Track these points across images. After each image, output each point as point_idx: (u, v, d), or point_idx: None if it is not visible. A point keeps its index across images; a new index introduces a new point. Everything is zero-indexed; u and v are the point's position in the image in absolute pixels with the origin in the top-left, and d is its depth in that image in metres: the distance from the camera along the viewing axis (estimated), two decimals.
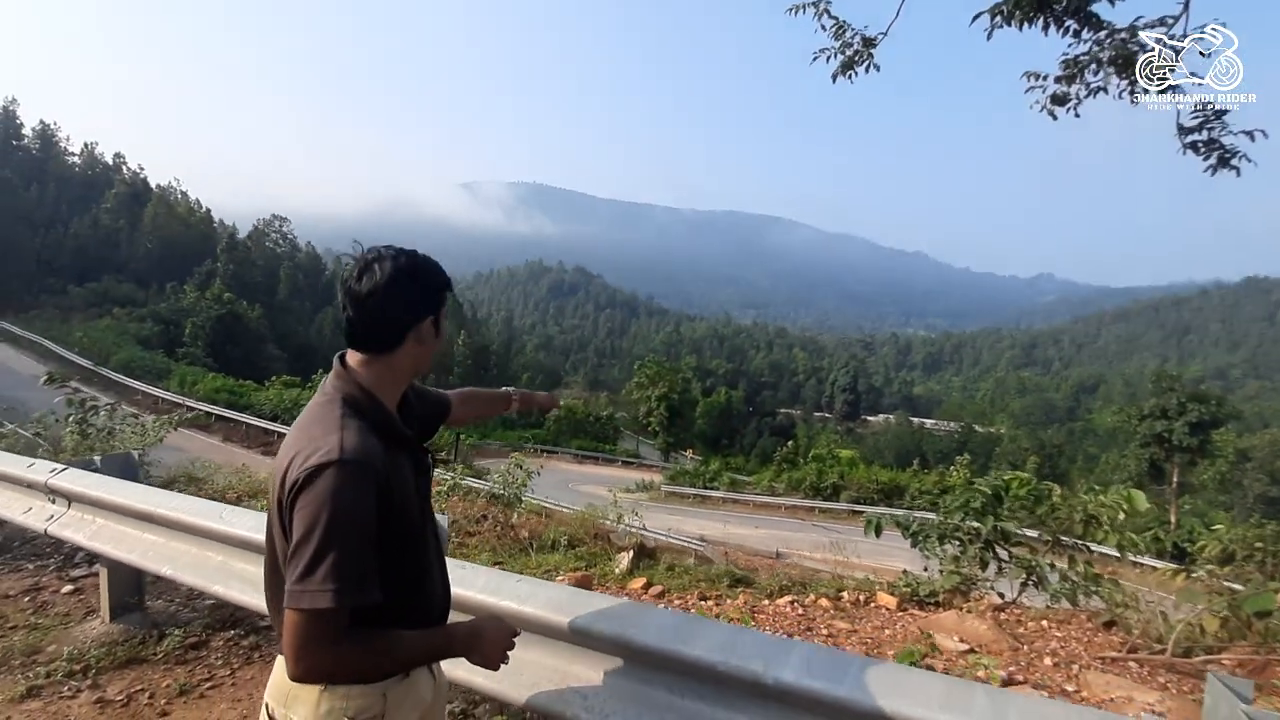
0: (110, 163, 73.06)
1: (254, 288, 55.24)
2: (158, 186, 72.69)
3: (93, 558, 3.77)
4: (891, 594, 4.83)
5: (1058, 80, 4.39)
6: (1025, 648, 3.79)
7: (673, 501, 29.91)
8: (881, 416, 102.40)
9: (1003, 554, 5.15)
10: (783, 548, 19.39)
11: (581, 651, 1.66)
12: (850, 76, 5.41)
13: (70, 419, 9.43)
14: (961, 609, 4.44)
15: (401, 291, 1.19)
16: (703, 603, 4.45)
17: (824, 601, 4.48)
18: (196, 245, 61.59)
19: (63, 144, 71.05)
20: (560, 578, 4.73)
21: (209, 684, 2.92)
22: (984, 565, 5.11)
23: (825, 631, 3.97)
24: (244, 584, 2.44)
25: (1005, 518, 5.10)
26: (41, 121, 70.04)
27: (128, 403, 23.81)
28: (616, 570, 5.19)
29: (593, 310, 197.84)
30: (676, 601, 4.42)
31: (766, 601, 4.54)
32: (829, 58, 5.30)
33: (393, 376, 1.26)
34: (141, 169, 75.00)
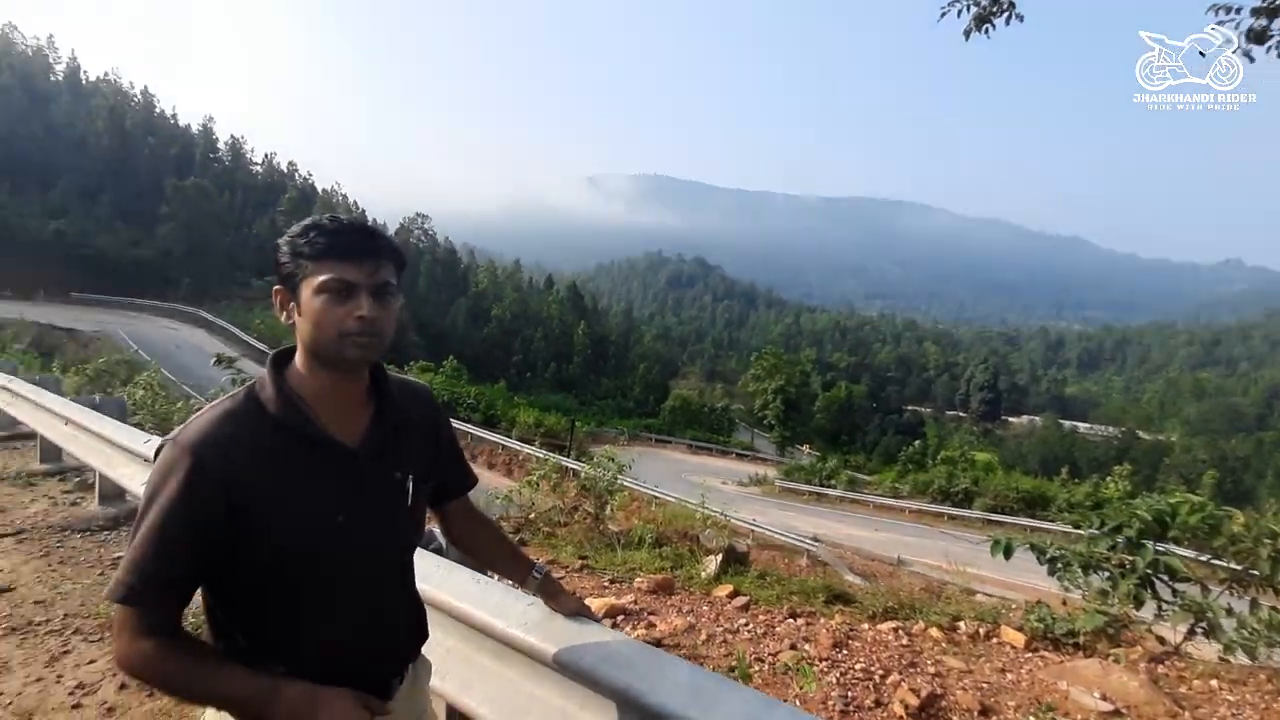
0: (285, 170, 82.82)
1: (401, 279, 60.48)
2: (323, 190, 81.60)
3: None
4: (1019, 629, 4.18)
5: (1255, 13, 3.50)
6: (1188, 714, 3.08)
7: (787, 497, 29.05)
8: (1025, 418, 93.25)
9: (1164, 591, 4.30)
10: (905, 554, 18.13)
11: (594, 697, 1.44)
12: (986, 31, 4.72)
13: None
14: (1107, 656, 3.73)
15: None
16: (792, 620, 4.07)
17: (935, 631, 3.94)
18: None
19: (248, 155, 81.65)
20: (640, 579, 4.55)
21: None
22: (1139, 604, 4.28)
23: (932, 669, 3.47)
24: None
25: (1169, 552, 4.24)
26: (232, 136, 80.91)
27: None
28: (703, 574, 4.93)
29: (711, 301, 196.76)
30: (763, 616, 4.08)
31: (866, 625, 4.08)
32: (960, 10, 4.65)
33: (301, 355, 1.08)
34: (310, 175, 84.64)
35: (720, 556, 5.18)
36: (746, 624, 3.85)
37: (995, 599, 7.35)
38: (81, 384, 11.49)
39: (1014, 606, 5.14)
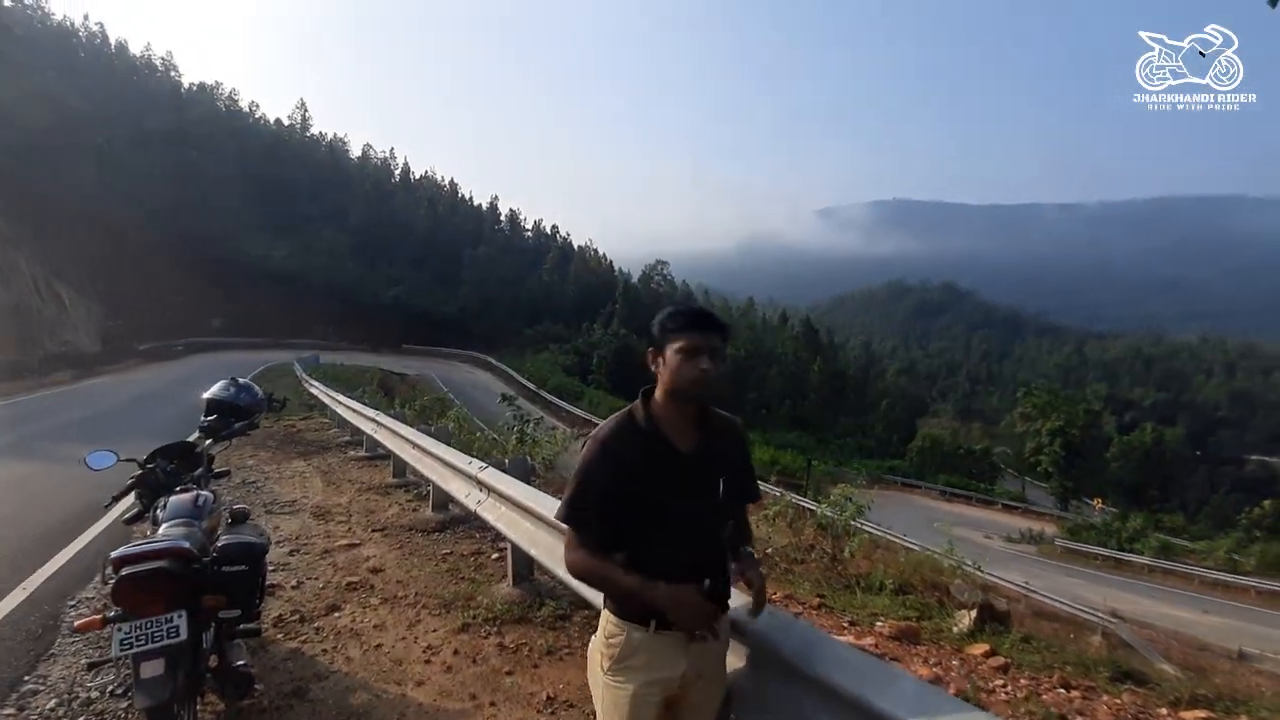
0: (549, 233, 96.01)
1: (643, 323, 65.48)
2: (579, 247, 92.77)
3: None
4: None
5: None
6: None
7: (1072, 560, 24.67)
8: None
9: None
10: (1250, 646, 14.19)
11: (827, 699, 1.63)
12: None
13: (514, 430, 12.75)
14: None
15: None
16: (1064, 690, 3.64)
17: None
18: (602, 291, 76.17)
19: (522, 222, 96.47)
20: (881, 624, 4.43)
21: (566, 650, 3.64)
22: None
23: None
24: None
25: None
26: (510, 209, 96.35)
27: (555, 417, 30.49)
28: (953, 629, 4.59)
29: (964, 331, 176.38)
30: (1025, 681, 3.71)
31: (1164, 711, 3.47)
32: None
33: (660, 391, 1.62)
34: (568, 234, 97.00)
35: (974, 612, 4.79)
36: (1004, 685, 3.57)
37: None
38: (412, 418, 14.62)
39: None
